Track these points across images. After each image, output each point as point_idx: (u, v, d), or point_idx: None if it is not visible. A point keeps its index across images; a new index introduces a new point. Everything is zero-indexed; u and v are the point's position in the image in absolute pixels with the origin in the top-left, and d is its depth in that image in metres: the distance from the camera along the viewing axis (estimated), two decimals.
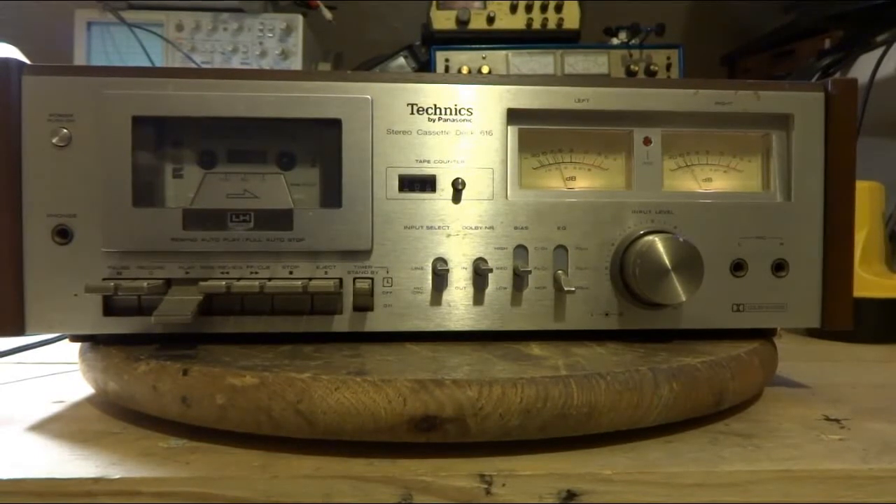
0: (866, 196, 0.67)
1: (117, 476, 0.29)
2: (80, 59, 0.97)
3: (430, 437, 0.31)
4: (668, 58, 1.00)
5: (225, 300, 0.40)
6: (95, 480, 0.28)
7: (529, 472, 0.30)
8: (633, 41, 1.01)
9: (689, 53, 1.02)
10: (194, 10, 0.98)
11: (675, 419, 0.35)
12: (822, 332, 0.67)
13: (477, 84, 0.41)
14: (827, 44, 0.94)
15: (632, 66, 0.99)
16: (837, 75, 0.87)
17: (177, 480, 0.29)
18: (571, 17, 1.01)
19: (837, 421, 0.37)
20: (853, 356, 0.59)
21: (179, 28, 0.98)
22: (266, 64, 0.98)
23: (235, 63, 0.98)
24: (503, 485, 0.29)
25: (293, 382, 0.32)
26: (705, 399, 0.36)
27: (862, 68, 0.83)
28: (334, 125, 0.40)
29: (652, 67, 0.99)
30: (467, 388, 0.31)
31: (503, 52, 0.99)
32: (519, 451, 0.32)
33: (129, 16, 0.97)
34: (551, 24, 1.01)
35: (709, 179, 0.44)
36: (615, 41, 1.02)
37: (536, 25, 1.01)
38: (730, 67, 1.17)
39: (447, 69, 1.00)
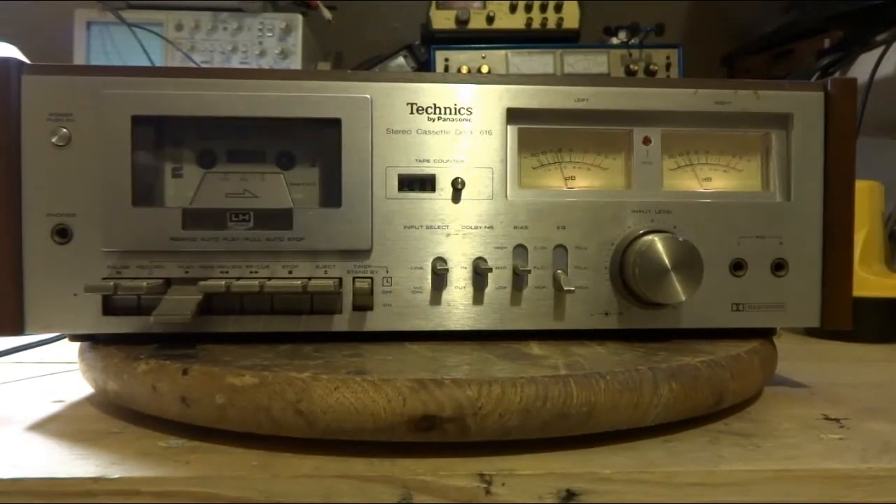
0: (866, 196, 0.67)
1: (117, 476, 0.29)
2: (79, 59, 0.97)
3: (429, 436, 0.31)
4: (668, 57, 1.00)
5: (224, 300, 0.40)
6: (95, 480, 0.28)
7: (529, 471, 0.30)
8: (632, 41, 1.01)
9: (688, 53, 1.02)
10: (194, 10, 0.98)
11: (675, 419, 0.35)
12: (822, 332, 0.67)
13: (476, 83, 0.41)
14: (826, 44, 0.94)
15: (631, 66, 0.99)
16: (837, 75, 0.87)
17: (176, 480, 0.29)
18: (571, 17, 1.01)
19: (837, 420, 0.38)
20: (853, 356, 0.59)
21: (179, 28, 0.98)
22: (265, 63, 0.98)
23: (235, 62, 0.98)
24: (503, 484, 0.29)
25: (293, 382, 0.32)
26: (705, 399, 0.36)
27: (861, 68, 0.83)
28: (334, 125, 0.40)
29: (651, 67, 0.99)
30: (467, 388, 0.31)
31: (503, 52, 0.99)
32: (519, 451, 0.32)
33: (129, 15, 0.97)
34: (551, 24, 1.01)
35: (708, 179, 0.44)
36: (615, 41, 1.02)
37: (536, 25, 1.01)
38: (729, 67, 1.17)
39: (447, 69, 1.00)
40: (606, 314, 0.42)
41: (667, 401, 0.34)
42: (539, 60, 0.99)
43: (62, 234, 0.39)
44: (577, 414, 0.32)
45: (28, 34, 1.05)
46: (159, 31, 0.97)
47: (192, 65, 0.95)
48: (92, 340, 0.40)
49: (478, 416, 0.31)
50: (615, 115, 0.43)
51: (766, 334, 0.44)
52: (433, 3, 1.01)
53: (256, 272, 0.40)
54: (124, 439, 0.33)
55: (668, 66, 1.00)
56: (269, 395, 0.32)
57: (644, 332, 0.43)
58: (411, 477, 0.29)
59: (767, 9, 1.04)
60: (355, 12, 1.16)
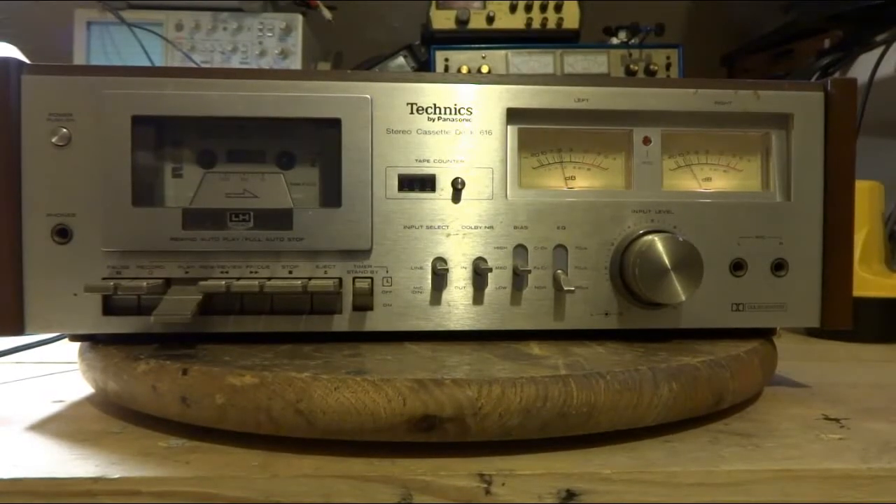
0: (866, 196, 0.67)
1: (117, 476, 0.29)
2: (79, 59, 0.97)
3: (429, 436, 0.31)
4: (668, 57, 1.00)
5: (224, 300, 0.40)
6: (95, 480, 0.28)
7: (529, 471, 0.30)
8: (632, 41, 1.01)
9: (688, 53, 1.02)
10: (194, 10, 0.98)
11: (675, 419, 0.35)
12: (822, 332, 0.67)
13: (476, 83, 0.41)
14: (826, 44, 0.94)
15: (631, 66, 0.99)
16: (837, 75, 0.87)
17: (177, 480, 0.29)
18: (571, 17, 1.01)
19: (837, 420, 0.38)
20: (853, 356, 0.59)
21: (179, 27, 0.98)
22: (265, 63, 0.98)
23: (235, 62, 0.98)
24: (503, 484, 0.29)
25: (293, 382, 0.32)
26: (705, 399, 0.36)
27: (861, 68, 0.83)
28: (334, 125, 0.40)
29: (651, 67, 0.99)
30: (467, 388, 0.31)
31: (503, 52, 0.99)
32: (518, 451, 0.32)
33: (129, 15, 0.97)
34: (551, 24, 1.01)
35: (708, 179, 0.44)
36: (615, 41, 1.02)
37: (536, 25, 1.01)
38: (729, 67, 1.17)
39: (447, 69, 1.00)
40: (606, 314, 0.42)
41: (667, 401, 0.34)
42: (539, 60, 0.99)
43: (62, 234, 0.39)
44: (577, 414, 0.32)
45: (28, 34, 1.05)
46: (159, 31, 0.97)
47: (192, 65, 0.95)
48: (92, 340, 0.40)
49: (478, 416, 0.31)
50: (615, 115, 0.43)
51: (766, 334, 0.44)
52: (433, 3, 1.01)
53: (256, 272, 0.40)
54: (124, 439, 0.33)
55: (668, 66, 1.00)
56: (269, 395, 0.32)
57: (644, 332, 0.43)
58: (411, 477, 0.29)
59: (767, 9, 1.04)
60: (355, 12, 1.17)
